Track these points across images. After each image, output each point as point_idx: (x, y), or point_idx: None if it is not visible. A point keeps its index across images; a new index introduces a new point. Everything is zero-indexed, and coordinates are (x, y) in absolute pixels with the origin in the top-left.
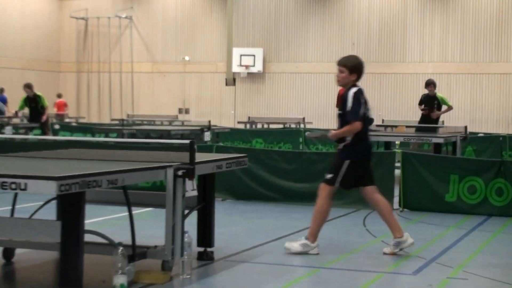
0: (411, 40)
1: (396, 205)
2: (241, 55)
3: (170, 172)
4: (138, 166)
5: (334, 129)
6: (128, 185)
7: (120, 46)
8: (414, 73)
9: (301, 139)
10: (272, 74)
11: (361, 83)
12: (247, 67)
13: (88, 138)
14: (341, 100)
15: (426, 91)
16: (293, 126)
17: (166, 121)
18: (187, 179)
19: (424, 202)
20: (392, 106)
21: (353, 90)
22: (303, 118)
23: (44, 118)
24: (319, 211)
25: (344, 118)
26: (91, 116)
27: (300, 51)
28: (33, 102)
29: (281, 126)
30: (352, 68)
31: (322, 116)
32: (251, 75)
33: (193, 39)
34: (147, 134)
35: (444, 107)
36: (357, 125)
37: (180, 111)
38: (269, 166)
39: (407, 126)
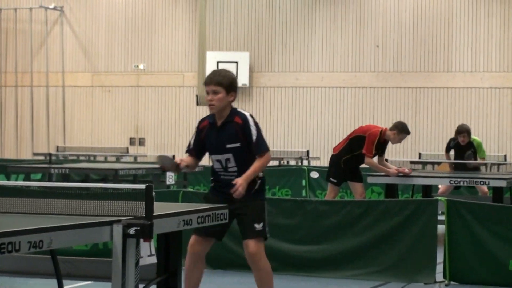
0: (459, 43)
1: (439, 276)
2: (218, 62)
3: (117, 230)
4: (72, 222)
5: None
6: (58, 249)
7: (47, 50)
8: (464, 87)
9: (304, 182)
10: (263, 89)
11: (389, 100)
12: None
13: (0, 181)
14: (240, 130)
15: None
16: (292, 163)
17: (111, 156)
18: (142, 240)
19: (480, 271)
20: (433, 132)
21: (247, 114)
22: (307, 152)
23: None
24: (267, 272)
25: (243, 151)
26: (4, 150)
27: (302, 57)
28: None
29: (275, 163)
30: (229, 86)
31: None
32: None
33: (150, 40)
34: (84, 175)
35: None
36: (269, 156)
37: (131, 141)
38: None
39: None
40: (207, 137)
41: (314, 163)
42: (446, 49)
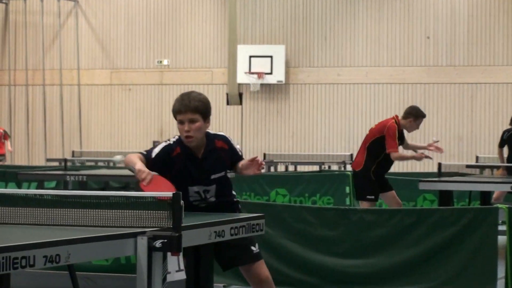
0: None
1: None
2: (250, 57)
3: (142, 242)
4: (91, 234)
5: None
6: (76, 264)
7: (60, 45)
8: None
9: (347, 189)
10: (300, 86)
11: (441, 98)
12: (260, 75)
13: (11, 190)
14: (227, 156)
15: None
16: (334, 168)
17: None
18: (169, 254)
19: None
20: (491, 133)
21: (224, 135)
22: (350, 156)
23: None
24: None
25: (226, 178)
26: (15, 155)
27: (344, 50)
28: None
29: (316, 168)
30: (207, 112)
31: None
32: (267, 87)
33: (174, 33)
34: (104, 183)
35: None
36: None
37: (155, 145)
38: (299, 232)
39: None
40: (184, 170)
41: None
42: (505, 40)
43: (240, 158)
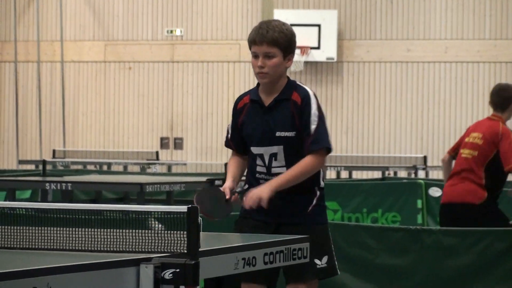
0: None
1: None
2: (291, 26)
3: (146, 272)
4: (79, 261)
5: None
6: None
7: (38, 10)
8: None
9: (419, 203)
10: (357, 65)
11: None
12: (304, 50)
13: None
14: (297, 113)
15: None
16: (402, 174)
17: (134, 164)
18: None
19: None
20: None
21: (309, 91)
22: (424, 158)
23: None
24: None
25: (297, 144)
26: None
27: (416, 19)
28: None
29: (378, 175)
30: (288, 46)
31: None
32: (312, 66)
33: None
34: (95, 193)
35: None
36: (324, 158)
37: (163, 143)
38: (354, 259)
39: None
40: (248, 120)
41: (434, 174)
42: None
43: (308, 129)
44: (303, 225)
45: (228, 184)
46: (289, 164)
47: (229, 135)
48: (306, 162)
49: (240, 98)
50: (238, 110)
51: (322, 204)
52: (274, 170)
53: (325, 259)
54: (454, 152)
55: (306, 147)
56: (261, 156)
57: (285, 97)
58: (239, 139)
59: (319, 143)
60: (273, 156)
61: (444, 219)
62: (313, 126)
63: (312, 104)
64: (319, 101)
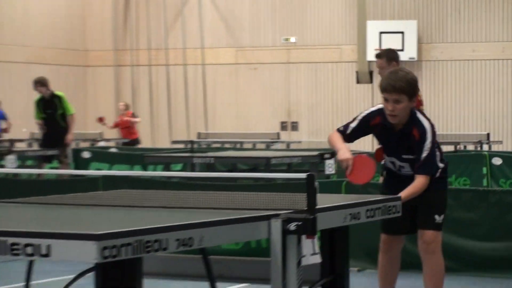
0: None
1: None
2: (380, 33)
3: (276, 225)
4: (222, 217)
5: None
6: (208, 247)
7: (183, 23)
8: None
9: (484, 169)
10: (434, 63)
11: None
12: None
13: (138, 172)
14: (415, 146)
15: None
16: (470, 148)
17: (261, 143)
18: (304, 237)
19: None
20: None
21: (427, 126)
22: (487, 135)
23: (69, 138)
24: (440, 270)
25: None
26: (140, 137)
27: (480, 24)
28: (50, 107)
29: (451, 148)
30: (413, 92)
31: None
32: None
33: (301, 9)
34: (232, 165)
35: None
36: (426, 182)
37: (283, 126)
38: None
39: None
40: (383, 137)
41: (495, 147)
42: None
43: (419, 155)
44: (429, 191)
45: (348, 153)
46: (413, 169)
47: (349, 130)
48: (417, 185)
49: (373, 116)
50: (370, 126)
51: (444, 176)
52: (402, 171)
53: (442, 217)
54: None
55: (416, 167)
56: (393, 162)
57: (407, 132)
58: (354, 138)
59: (424, 170)
60: (401, 166)
61: None
62: (423, 155)
63: (427, 138)
64: (434, 131)
